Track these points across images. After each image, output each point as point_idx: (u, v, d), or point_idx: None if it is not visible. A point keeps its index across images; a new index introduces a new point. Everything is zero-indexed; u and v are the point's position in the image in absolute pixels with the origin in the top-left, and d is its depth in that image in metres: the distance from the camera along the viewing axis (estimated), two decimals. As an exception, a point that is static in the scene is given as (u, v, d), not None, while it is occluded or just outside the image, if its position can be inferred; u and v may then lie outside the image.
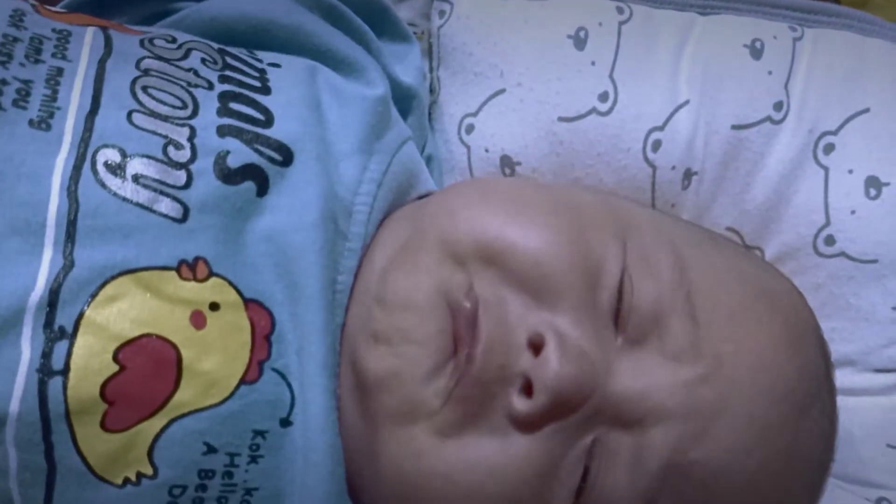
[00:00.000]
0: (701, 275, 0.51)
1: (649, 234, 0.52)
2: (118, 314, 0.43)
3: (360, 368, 0.48)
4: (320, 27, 0.58)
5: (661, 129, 0.62)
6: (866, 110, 0.62)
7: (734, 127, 0.62)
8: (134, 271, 0.44)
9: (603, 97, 0.62)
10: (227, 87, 0.51)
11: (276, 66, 0.55)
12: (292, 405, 0.47)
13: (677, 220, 0.62)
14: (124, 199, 0.45)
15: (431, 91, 0.66)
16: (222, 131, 0.49)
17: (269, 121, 0.50)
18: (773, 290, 0.55)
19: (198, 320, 0.45)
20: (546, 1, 0.64)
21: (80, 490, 0.44)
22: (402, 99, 0.61)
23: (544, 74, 0.62)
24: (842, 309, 0.62)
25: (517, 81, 0.63)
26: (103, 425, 0.43)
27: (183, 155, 0.47)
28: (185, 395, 0.44)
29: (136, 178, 0.46)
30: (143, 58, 0.51)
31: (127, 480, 0.44)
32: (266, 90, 0.52)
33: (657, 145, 0.62)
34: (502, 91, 0.63)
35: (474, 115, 0.64)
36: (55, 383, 0.42)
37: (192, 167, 0.47)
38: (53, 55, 0.48)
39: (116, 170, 0.45)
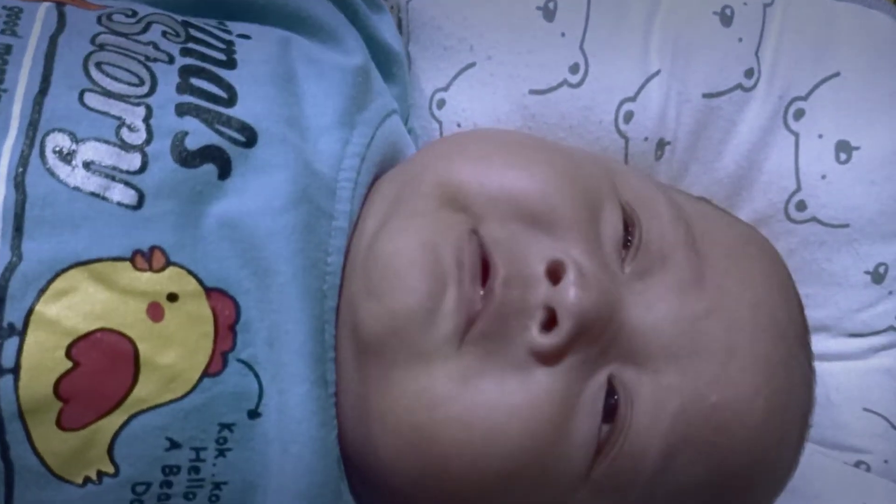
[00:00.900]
0: (694, 214, 0.48)
1: (635, 178, 0.49)
2: (70, 308, 0.39)
3: (358, 330, 0.44)
4: None
5: (632, 99, 0.58)
6: (836, 74, 0.59)
7: (705, 95, 0.59)
8: (85, 263, 0.39)
9: (574, 69, 0.58)
10: (189, 60, 0.45)
11: (246, 37, 0.49)
12: (261, 396, 0.42)
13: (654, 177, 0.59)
14: (74, 187, 0.40)
15: (402, 66, 0.62)
16: (181, 109, 0.43)
17: (231, 99, 0.45)
18: (756, 236, 0.52)
19: (155, 312, 0.40)
20: (514, -28, 0.60)
21: (40, 490, 0.39)
22: (387, 65, 0.56)
23: (514, 47, 0.58)
24: (814, 274, 0.59)
25: (487, 55, 0.59)
26: (59, 424, 0.38)
27: (138, 137, 0.42)
28: (144, 391, 0.40)
29: (87, 165, 0.40)
30: (99, 33, 0.45)
31: (88, 479, 0.39)
32: (231, 64, 0.46)
33: (629, 116, 0.58)
34: (472, 65, 0.59)
35: (445, 89, 0.60)
36: (6, 382, 0.37)
37: (148, 150, 0.42)
38: (2, 31, 0.43)
39: (66, 156, 0.40)
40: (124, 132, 0.41)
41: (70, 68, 0.43)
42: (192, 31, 0.48)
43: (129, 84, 0.43)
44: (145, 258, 0.40)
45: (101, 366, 0.39)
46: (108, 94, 0.42)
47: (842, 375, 0.58)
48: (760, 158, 0.59)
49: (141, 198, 0.41)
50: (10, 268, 0.38)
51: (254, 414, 0.42)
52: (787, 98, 0.58)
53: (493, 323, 0.42)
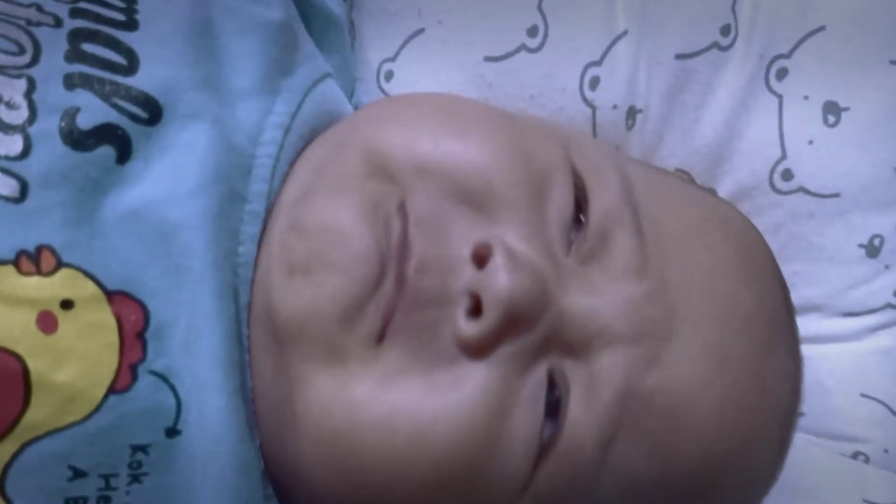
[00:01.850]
0: (646, 194, 0.44)
1: (590, 149, 0.45)
2: None
3: (274, 313, 0.39)
4: None
5: (598, 63, 0.55)
6: (821, 28, 0.54)
7: (678, 56, 0.55)
8: None
9: (532, 31, 0.54)
10: (80, 23, 0.40)
11: None
12: (179, 411, 0.37)
13: (615, 147, 0.55)
14: None
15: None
16: (71, 82, 0.38)
17: (132, 66, 0.40)
18: (723, 215, 0.47)
19: (46, 323, 0.35)
20: (463, -73, 0.56)
21: None
22: (324, 30, 0.51)
23: (466, 10, 0.55)
24: (804, 250, 0.55)
25: (437, 19, 0.55)
26: None
27: (18, 116, 0.37)
28: (39, 414, 0.35)
29: None
30: None
31: None
32: (132, 25, 0.41)
33: (595, 82, 0.55)
34: (421, 31, 0.55)
35: (392, 59, 0.56)
36: None
37: (31, 130, 0.36)
38: None
39: None
40: (1, 110, 0.36)
41: None
42: None
43: (6, 53, 0.38)
44: (32, 260, 0.35)
45: (-17, 388, 0.34)
46: None
47: (836, 359, 0.55)
48: (741, 124, 0.55)
49: (24, 188, 0.36)
50: None
51: (172, 432, 0.37)
52: (769, 56, 0.55)
53: (410, 314, 0.38)
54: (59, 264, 0.36)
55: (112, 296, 0.36)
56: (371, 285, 0.38)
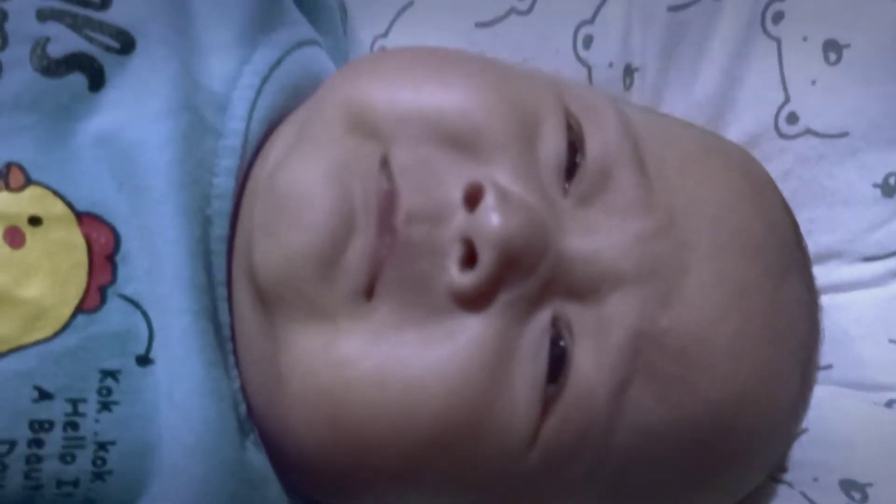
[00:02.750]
0: (645, 129, 0.42)
1: (583, 89, 0.44)
2: None
3: (254, 274, 0.38)
4: None
5: (590, 22, 0.54)
6: None
7: (671, 9, 0.54)
8: None
9: None
10: None
11: None
12: (151, 339, 0.36)
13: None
14: None
15: (336, 17, 0.58)
16: (43, 15, 0.39)
17: (104, 3, 0.40)
18: (725, 147, 0.47)
19: (14, 238, 0.35)
20: None
21: None
22: (315, 11, 0.51)
23: None
24: (816, 195, 0.53)
25: None
26: None
27: None
28: (4, 329, 0.34)
29: None
30: None
31: None
32: None
33: (589, 41, 0.54)
34: (410, 4, 0.55)
35: (384, 35, 0.56)
36: None
37: (3, 57, 0.37)
38: None
39: None
40: None
41: None
42: None
43: None
44: (1, 176, 0.35)
45: (-51, 301, 0.34)
46: None
47: (860, 305, 0.51)
48: (741, 73, 0.54)
49: None
50: None
51: (144, 360, 0.36)
52: (763, 1, 0.53)
53: (401, 268, 0.37)
54: (28, 181, 0.36)
55: (82, 217, 0.36)
56: (337, 240, 0.37)
